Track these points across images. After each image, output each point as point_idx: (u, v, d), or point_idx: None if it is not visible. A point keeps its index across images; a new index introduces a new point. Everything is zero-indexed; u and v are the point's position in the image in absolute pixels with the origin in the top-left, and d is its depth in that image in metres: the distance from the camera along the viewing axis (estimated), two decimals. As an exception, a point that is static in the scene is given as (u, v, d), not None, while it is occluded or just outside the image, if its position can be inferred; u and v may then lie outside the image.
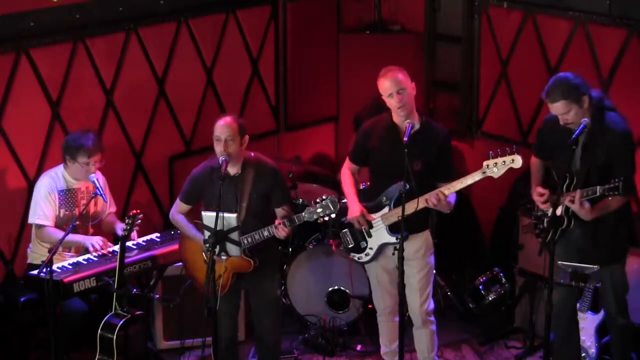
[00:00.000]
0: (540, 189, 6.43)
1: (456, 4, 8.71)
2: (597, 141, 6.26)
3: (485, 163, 6.38)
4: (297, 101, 9.06)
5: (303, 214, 6.49)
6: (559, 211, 6.34)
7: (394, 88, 6.54)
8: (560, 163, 6.36)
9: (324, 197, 6.48)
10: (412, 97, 6.59)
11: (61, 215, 7.12)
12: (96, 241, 7.04)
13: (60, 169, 7.17)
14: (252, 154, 6.65)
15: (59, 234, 6.97)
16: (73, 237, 7.01)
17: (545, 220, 6.50)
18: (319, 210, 6.46)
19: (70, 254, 7.11)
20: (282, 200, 6.64)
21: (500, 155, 6.34)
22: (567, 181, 6.32)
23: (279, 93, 8.97)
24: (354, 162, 6.88)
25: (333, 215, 6.49)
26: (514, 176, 7.93)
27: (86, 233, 7.21)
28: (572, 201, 6.19)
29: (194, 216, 6.73)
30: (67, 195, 7.14)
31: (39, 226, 7.07)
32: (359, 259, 6.87)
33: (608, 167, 6.24)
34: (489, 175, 6.38)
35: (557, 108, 6.21)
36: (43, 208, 7.04)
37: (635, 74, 7.55)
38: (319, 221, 6.54)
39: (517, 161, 6.32)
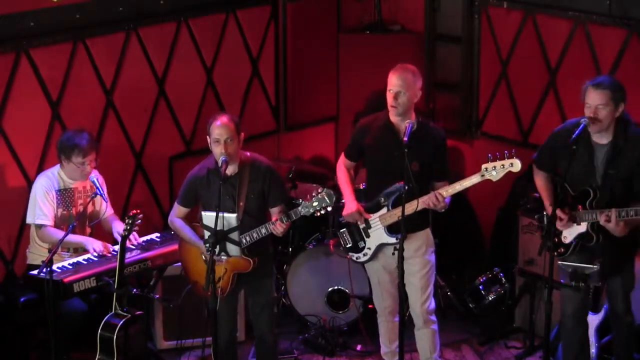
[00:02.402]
0: (560, 214, 6.35)
1: (456, 4, 8.71)
2: (622, 154, 6.26)
3: (484, 166, 6.37)
4: (297, 101, 9.06)
5: (299, 208, 6.44)
6: (584, 227, 6.36)
7: (394, 88, 6.54)
8: (578, 177, 6.34)
9: (319, 190, 6.43)
10: (411, 101, 6.57)
11: (59, 214, 7.11)
12: (97, 245, 7.03)
13: (56, 169, 7.16)
14: (248, 154, 6.64)
15: (59, 233, 6.97)
16: (73, 238, 7.00)
17: (563, 236, 6.46)
18: (315, 203, 6.41)
19: (68, 254, 7.10)
20: (277, 200, 6.61)
21: (499, 159, 6.33)
22: (591, 197, 6.32)
23: (279, 93, 8.96)
24: (348, 158, 6.88)
25: (329, 208, 6.44)
26: (513, 176, 7.95)
27: (83, 233, 7.20)
28: (608, 220, 6.17)
29: (192, 221, 6.73)
30: (64, 195, 7.13)
31: (39, 226, 7.06)
32: (357, 258, 6.87)
33: (630, 180, 6.26)
34: (488, 178, 6.38)
35: (599, 96, 6.19)
36: (42, 207, 7.04)
37: (635, 74, 7.55)
38: (316, 215, 6.49)
39: (516, 165, 6.31)
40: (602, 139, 6.31)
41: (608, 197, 6.27)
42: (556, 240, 6.47)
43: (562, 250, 6.48)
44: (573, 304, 6.56)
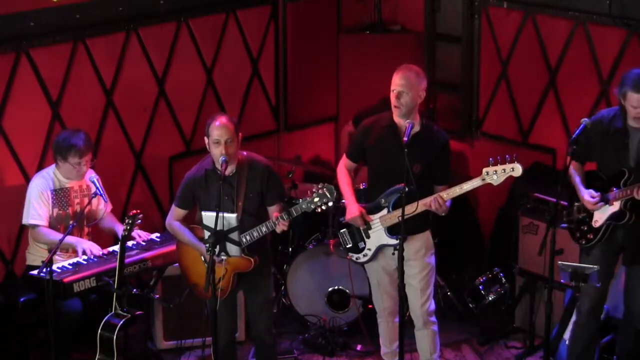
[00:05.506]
0: (593, 192, 6.41)
1: (456, 4, 8.71)
2: None
3: (484, 170, 6.37)
4: (297, 101, 9.06)
5: (300, 204, 6.42)
6: (617, 206, 6.36)
7: (397, 88, 6.53)
8: (611, 162, 6.39)
9: (320, 185, 6.42)
10: (414, 102, 6.55)
11: (54, 214, 7.10)
12: (88, 247, 7.01)
13: (51, 169, 7.15)
14: (245, 153, 6.63)
15: (54, 234, 6.96)
16: (66, 239, 6.98)
17: (594, 220, 6.46)
18: (316, 199, 6.40)
19: (67, 254, 7.08)
20: (275, 198, 6.60)
21: (500, 163, 6.33)
22: (625, 177, 6.34)
23: (279, 93, 8.97)
24: (350, 159, 6.87)
25: (330, 203, 6.43)
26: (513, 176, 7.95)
27: (81, 234, 7.19)
28: None
29: (190, 223, 6.72)
30: (60, 195, 7.12)
31: (33, 226, 7.04)
32: (356, 259, 6.86)
33: None
34: (489, 182, 6.38)
35: None
36: (36, 208, 7.02)
37: (635, 74, 7.55)
38: (317, 211, 6.47)
39: (517, 170, 6.31)
40: (638, 122, 6.35)
41: None
42: (584, 227, 6.49)
43: (591, 236, 6.48)
44: (590, 299, 6.53)
